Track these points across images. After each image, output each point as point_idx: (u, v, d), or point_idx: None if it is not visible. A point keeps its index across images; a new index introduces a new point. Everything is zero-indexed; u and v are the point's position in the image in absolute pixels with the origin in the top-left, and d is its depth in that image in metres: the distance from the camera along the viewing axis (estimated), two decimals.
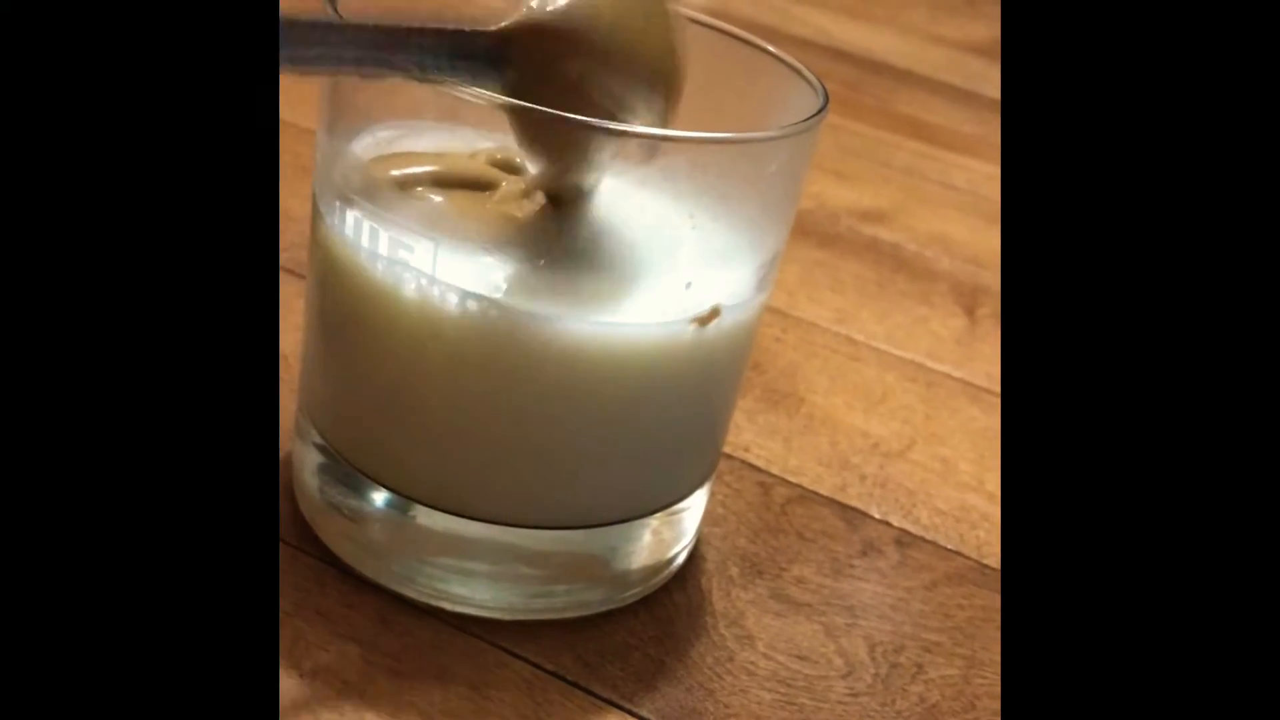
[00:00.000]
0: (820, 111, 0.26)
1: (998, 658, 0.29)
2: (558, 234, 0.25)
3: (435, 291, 0.24)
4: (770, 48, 0.28)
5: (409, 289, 0.24)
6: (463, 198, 0.25)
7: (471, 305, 0.24)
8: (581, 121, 0.23)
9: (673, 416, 0.27)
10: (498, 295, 0.24)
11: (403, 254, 0.24)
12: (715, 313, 0.25)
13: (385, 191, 0.25)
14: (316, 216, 0.26)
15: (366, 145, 0.26)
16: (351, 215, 0.25)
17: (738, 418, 0.36)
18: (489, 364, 0.25)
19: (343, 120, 0.26)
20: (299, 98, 0.30)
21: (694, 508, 0.30)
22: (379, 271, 0.25)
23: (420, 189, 0.25)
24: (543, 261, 0.25)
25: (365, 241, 0.25)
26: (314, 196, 0.27)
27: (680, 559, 0.30)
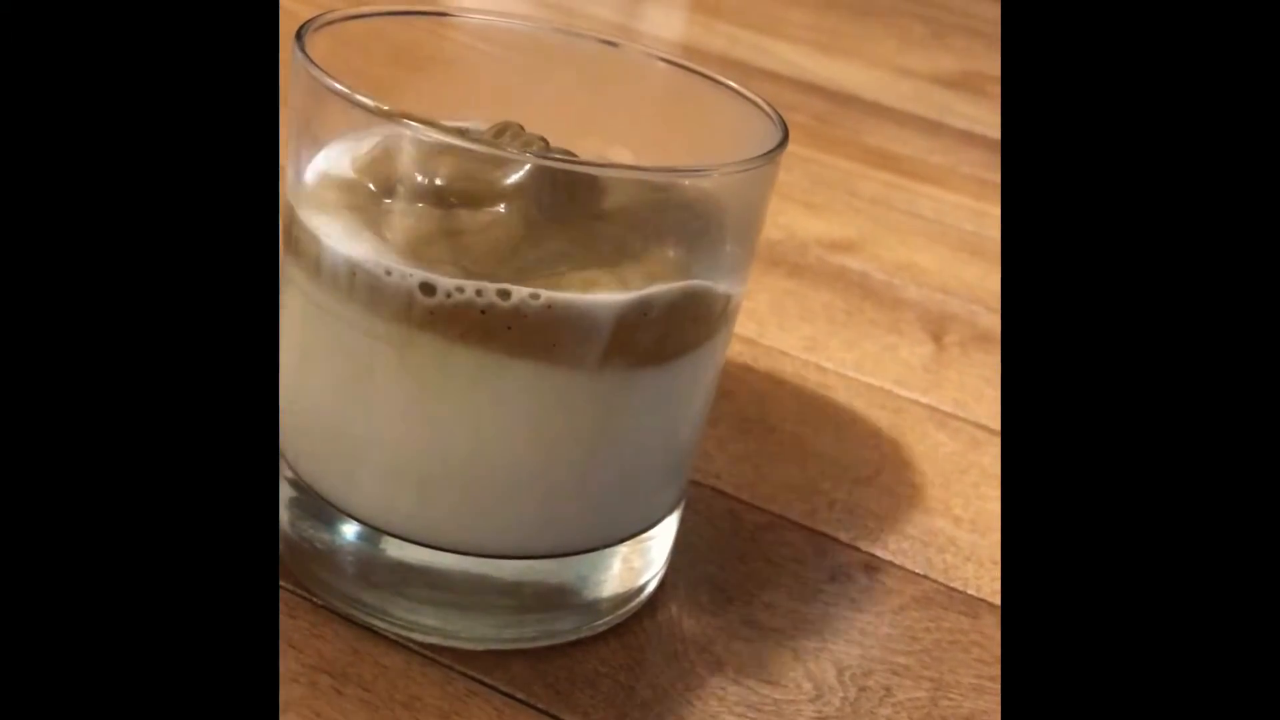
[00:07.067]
0: (779, 146, 0.26)
1: (965, 680, 0.30)
2: (521, 262, 0.25)
3: (403, 323, 0.25)
4: (734, 84, 0.29)
5: (377, 320, 0.25)
6: (433, 221, 0.25)
7: (440, 336, 0.24)
8: (530, 157, 0.24)
9: (641, 445, 0.27)
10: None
11: (371, 284, 0.25)
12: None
13: (348, 217, 0.25)
14: (285, 246, 0.27)
15: (333, 170, 0.27)
16: (318, 243, 0.25)
17: (708, 445, 0.36)
18: (457, 395, 0.25)
19: (308, 149, 0.26)
20: None
21: (664, 535, 0.30)
22: (346, 303, 0.25)
23: (390, 215, 0.25)
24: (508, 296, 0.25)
25: (331, 271, 0.25)
26: (283, 226, 0.27)
27: (650, 587, 0.30)
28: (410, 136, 0.24)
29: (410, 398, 0.25)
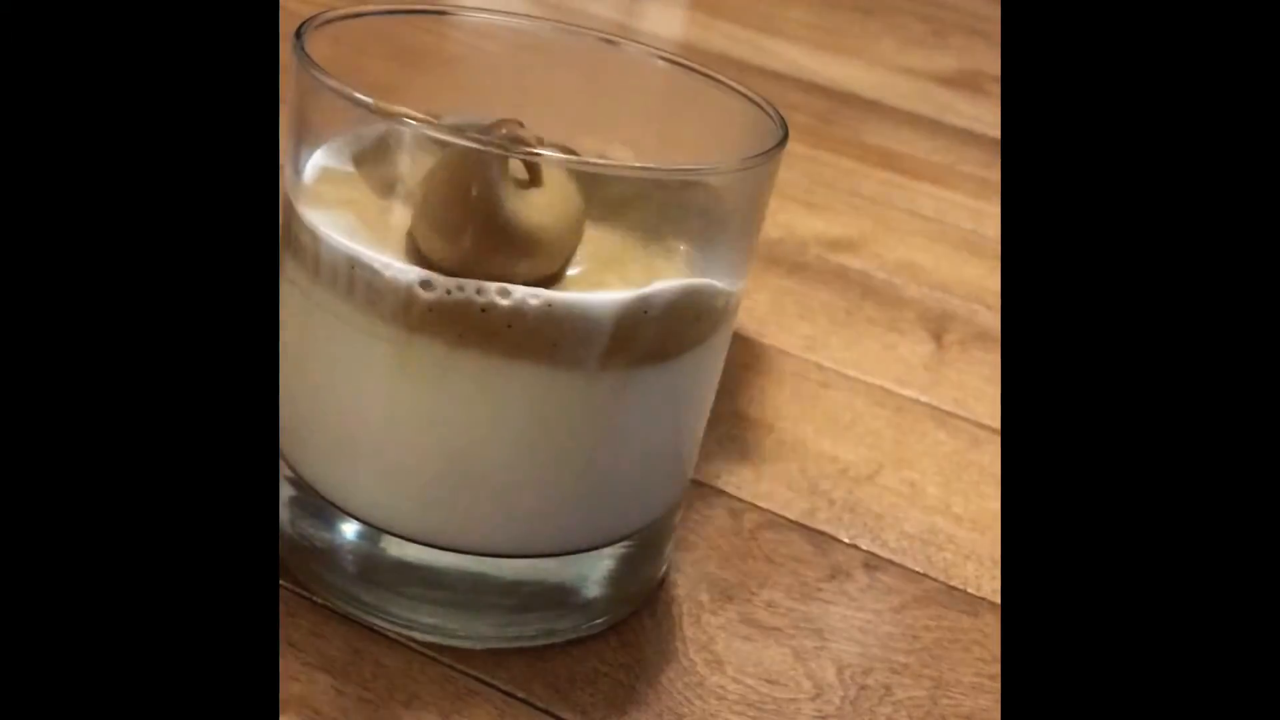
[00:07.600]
0: (779, 145, 0.26)
1: (964, 679, 0.30)
2: (522, 265, 0.25)
3: (403, 320, 0.24)
4: (734, 83, 0.29)
5: (377, 318, 0.25)
6: (429, 220, 0.25)
7: (439, 336, 0.24)
8: (535, 152, 0.24)
9: (641, 443, 0.27)
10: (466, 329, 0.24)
11: (370, 280, 0.25)
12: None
13: (346, 213, 0.25)
14: (284, 243, 0.27)
15: (332, 167, 0.27)
16: (316, 239, 0.25)
17: (708, 444, 0.36)
18: (457, 394, 0.25)
19: (307, 146, 0.26)
20: None
21: (664, 535, 0.30)
22: (346, 300, 0.25)
23: (389, 211, 0.25)
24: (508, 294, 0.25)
25: (330, 268, 0.25)
26: (282, 224, 0.27)
27: (650, 585, 0.30)
28: (409, 133, 0.24)
29: (410, 397, 0.25)
